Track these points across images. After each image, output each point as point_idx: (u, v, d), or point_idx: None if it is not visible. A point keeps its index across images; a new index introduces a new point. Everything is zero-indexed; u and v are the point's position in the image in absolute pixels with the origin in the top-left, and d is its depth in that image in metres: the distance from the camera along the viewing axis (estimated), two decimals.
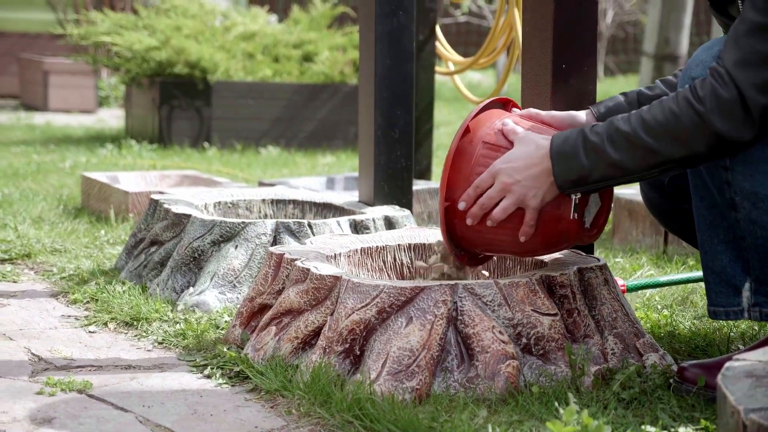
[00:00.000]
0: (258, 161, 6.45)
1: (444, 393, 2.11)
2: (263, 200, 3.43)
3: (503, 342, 2.14)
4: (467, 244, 2.34)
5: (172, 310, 2.82)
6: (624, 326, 2.30)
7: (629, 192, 4.01)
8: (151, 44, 6.97)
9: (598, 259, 2.39)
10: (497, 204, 2.23)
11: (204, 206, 3.30)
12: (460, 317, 2.16)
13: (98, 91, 9.93)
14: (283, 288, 2.43)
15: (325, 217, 3.38)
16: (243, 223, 2.98)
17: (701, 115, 2.05)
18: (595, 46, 2.49)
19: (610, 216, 4.12)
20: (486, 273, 2.57)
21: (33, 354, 2.48)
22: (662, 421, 2.00)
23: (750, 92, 2.02)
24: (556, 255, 2.46)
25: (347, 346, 2.18)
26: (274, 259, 2.48)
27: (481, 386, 2.12)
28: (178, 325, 2.70)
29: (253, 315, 2.50)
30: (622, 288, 2.81)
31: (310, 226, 2.99)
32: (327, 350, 2.19)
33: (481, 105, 2.36)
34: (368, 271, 2.62)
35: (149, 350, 2.54)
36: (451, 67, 5.11)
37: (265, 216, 3.42)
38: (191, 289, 2.90)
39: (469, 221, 2.26)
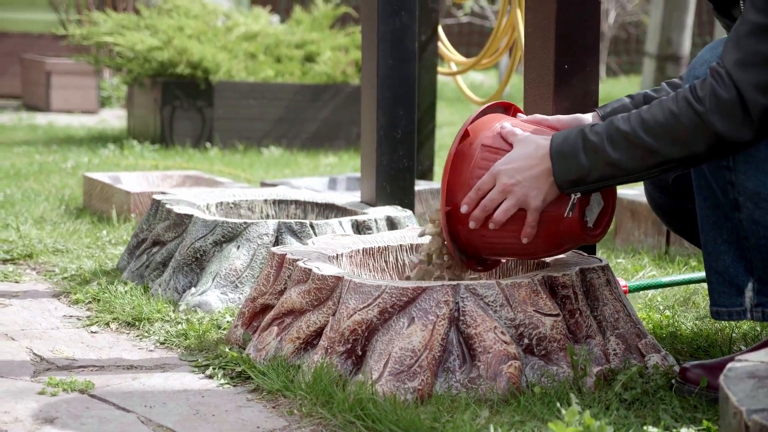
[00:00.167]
0: (260, 161, 6.45)
1: (446, 393, 2.11)
2: (265, 200, 3.43)
3: (505, 342, 2.14)
4: (471, 249, 2.33)
5: (174, 311, 2.82)
6: (626, 327, 2.30)
7: (631, 192, 4.01)
8: (153, 44, 6.98)
9: (600, 260, 2.39)
10: (499, 206, 2.23)
11: (206, 206, 3.30)
12: (462, 317, 2.16)
13: (100, 92, 9.93)
14: (285, 288, 2.43)
15: (327, 218, 3.38)
16: (245, 223, 2.98)
17: (701, 116, 2.05)
18: (598, 47, 2.49)
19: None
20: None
21: (35, 354, 2.48)
22: (664, 421, 2.00)
23: (750, 93, 2.01)
24: (559, 255, 2.46)
25: (349, 346, 2.18)
26: (276, 260, 2.48)
27: (483, 387, 2.12)
28: (180, 325, 2.70)
29: (255, 315, 2.50)
30: (624, 288, 2.81)
31: (312, 226, 2.99)
32: (329, 350, 2.19)
33: (480, 109, 2.36)
34: (370, 272, 2.62)
35: (151, 350, 2.54)
36: (454, 68, 5.11)
37: (267, 216, 3.42)
38: (193, 290, 2.90)
39: (471, 225, 2.26)
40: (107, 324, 2.75)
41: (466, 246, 2.33)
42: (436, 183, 4.47)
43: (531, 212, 2.21)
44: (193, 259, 2.98)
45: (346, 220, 3.06)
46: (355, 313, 2.18)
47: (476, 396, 2.11)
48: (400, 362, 2.11)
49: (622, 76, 15.10)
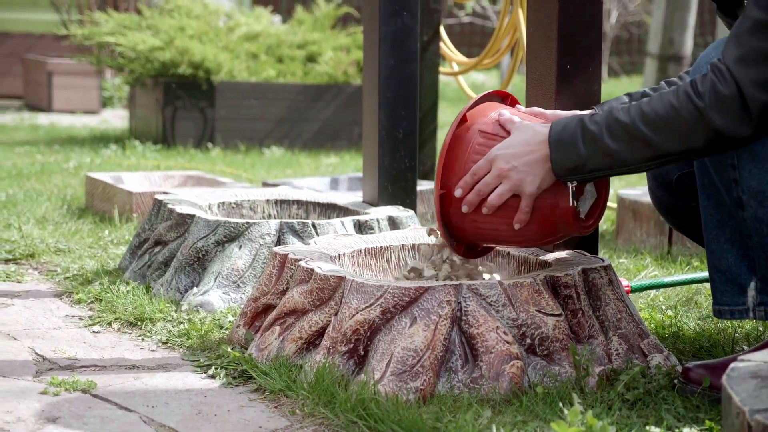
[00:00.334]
0: (262, 162, 6.45)
1: (448, 393, 2.11)
2: (267, 200, 3.43)
3: (507, 342, 2.14)
4: (462, 234, 2.33)
5: (176, 310, 2.82)
6: (628, 327, 2.30)
7: (634, 193, 4.01)
8: (154, 45, 6.98)
9: (603, 260, 2.39)
10: (494, 191, 2.23)
11: (208, 206, 3.30)
12: (464, 317, 2.16)
13: (102, 92, 9.93)
14: (287, 288, 2.42)
15: (329, 218, 3.38)
16: (247, 223, 2.98)
17: (700, 111, 2.05)
18: (600, 47, 2.49)
19: (615, 217, 4.12)
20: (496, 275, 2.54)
21: (37, 354, 2.48)
22: (667, 421, 2.00)
23: (749, 89, 2.01)
24: (561, 255, 2.46)
25: (351, 346, 2.18)
26: (278, 260, 2.48)
27: (486, 386, 2.11)
28: (182, 325, 2.70)
29: (257, 315, 2.50)
30: (627, 288, 2.81)
31: (314, 226, 2.99)
32: (331, 350, 2.19)
33: (479, 96, 2.37)
34: (372, 272, 2.62)
35: (153, 350, 2.54)
36: (455, 68, 5.11)
37: (269, 216, 3.42)
38: (195, 289, 2.90)
39: (464, 209, 2.26)
40: (109, 324, 2.75)
41: (458, 231, 2.33)
42: None
43: (525, 198, 2.21)
44: (195, 259, 2.98)
45: (348, 220, 3.06)
46: (358, 313, 2.18)
47: (478, 396, 2.11)
48: (402, 362, 2.11)
49: (623, 77, 15.10)
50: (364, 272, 2.60)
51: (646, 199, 3.81)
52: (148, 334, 2.66)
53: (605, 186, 2.32)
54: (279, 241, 2.97)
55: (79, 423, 2.02)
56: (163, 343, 2.59)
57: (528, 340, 2.18)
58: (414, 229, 2.81)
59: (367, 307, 2.17)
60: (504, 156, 2.21)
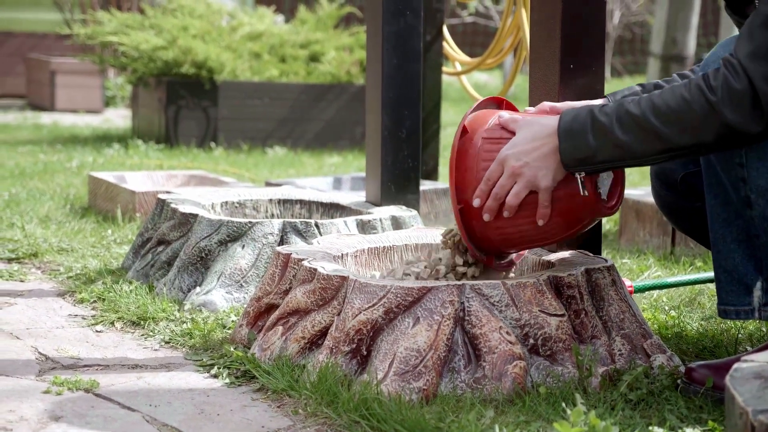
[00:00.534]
0: (264, 161, 6.45)
1: (451, 393, 2.10)
2: (270, 200, 3.43)
3: (510, 342, 2.14)
4: (490, 244, 2.32)
5: (178, 310, 2.82)
6: (631, 327, 2.30)
7: (636, 193, 4.01)
8: (157, 44, 6.98)
9: (606, 260, 2.38)
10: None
11: (211, 206, 3.30)
12: (467, 317, 2.16)
13: (105, 91, 9.94)
14: (290, 288, 2.42)
15: (332, 217, 3.38)
16: (250, 222, 2.98)
17: (712, 104, 2.04)
18: (603, 47, 2.48)
19: (618, 217, 4.12)
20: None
21: (40, 353, 2.48)
22: (670, 422, 2.00)
23: (761, 85, 2.00)
24: (564, 255, 2.46)
25: (354, 346, 2.18)
26: (281, 259, 2.48)
27: (488, 387, 2.11)
28: (184, 324, 2.70)
29: (260, 315, 2.50)
30: (630, 289, 2.81)
31: (317, 226, 2.99)
32: (334, 350, 2.19)
33: (474, 105, 2.36)
34: (375, 272, 2.61)
35: (156, 350, 2.54)
36: (458, 68, 5.10)
37: (272, 216, 3.42)
38: (198, 289, 2.90)
39: (486, 217, 2.24)
40: (112, 323, 2.75)
41: (484, 242, 2.31)
42: (441, 183, 4.47)
43: (542, 192, 2.20)
44: (198, 259, 2.98)
45: (351, 220, 3.06)
46: (360, 312, 2.18)
47: (481, 396, 2.10)
48: (405, 362, 2.11)
49: (626, 77, 15.09)
50: (367, 272, 2.60)
51: (649, 199, 3.81)
52: (151, 333, 2.66)
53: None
54: (282, 241, 2.97)
55: (81, 422, 2.02)
56: (166, 343, 2.59)
57: (531, 341, 2.18)
58: (417, 229, 2.80)
59: (370, 307, 2.17)
60: (514, 155, 2.20)
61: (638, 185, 5.53)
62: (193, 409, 2.11)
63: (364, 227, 3.05)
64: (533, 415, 2.03)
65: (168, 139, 6.97)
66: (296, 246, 2.59)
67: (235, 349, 2.44)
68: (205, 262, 2.98)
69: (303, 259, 2.41)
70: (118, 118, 9.25)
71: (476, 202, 2.24)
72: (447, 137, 7.46)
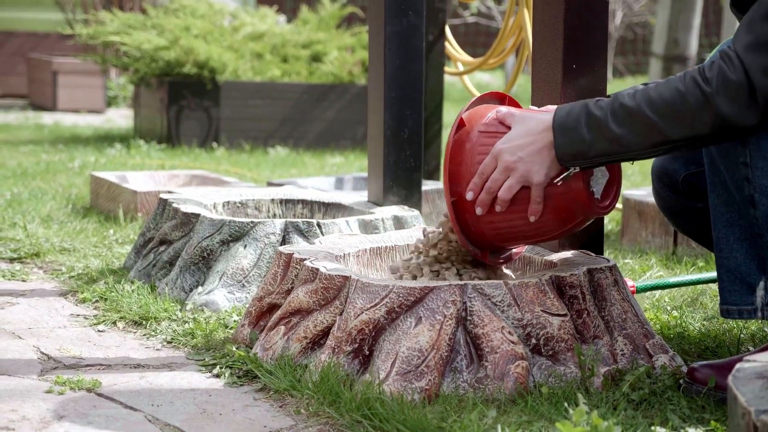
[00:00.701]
0: (266, 161, 6.45)
1: (453, 393, 2.10)
2: (272, 200, 3.43)
3: (512, 342, 2.14)
4: (482, 239, 2.31)
5: (180, 310, 2.82)
6: (633, 327, 2.30)
7: (639, 193, 4.01)
8: (159, 44, 6.98)
9: (608, 260, 2.38)
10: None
11: (213, 206, 3.30)
12: (469, 317, 2.16)
13: (107, 91, 9.94)
14: (292, 288, 2.42)
15: (334, 217, 3.38)
16: (252, 222, 2.98)
17: (707, 96, 2.03)
18: (606, 46, 2.48)
19: (620, 217, 4.12)
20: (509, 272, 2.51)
21: (42, 353, 2.48)
22: (672, 422, 2.00)
23: (758, 76, 1.99)
24: (566, 255, 2.46)
25: (356, 346, 2.18)
26: (283, 259, 2.48)
27: (491, 386, 2.11)
28: (186, 324, 2.70)
29: (262, 314, 2.50)
30: (632, 289, 2.81)
31: (319, 225, 2.99)
32: (336, 350, 2.19)
33: (474, 98, 2.36)
34: (377, 271, 2.62)
35: (158, 349, 2.54)
36: (461, 68, 5.10)
37: (274, 216, 3.42)
38: (200, 289, 2.90)
39: (478, 210, 2.24)
40: (114, 323, 2.75)
41: (477, 236, 2.31)
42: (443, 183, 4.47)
43: (535, 188, 2.20)
44: (200, 258, 2.98)
45: (353, 220, 3.06)
46: (363, 312, 2.18)
47: (483, 396, 2.10)
48: (407, 362, 2.11)
49: (628, 77, 15.09)
50: (369, 272, 2.60)
51: (651, 199, 3.81)
52: (153, 333, 2.66)
53: (617, 165, 2.30)
54: (284, 241, 2.97)
55: (83, 422, 2.02)
56: (168, 343, 2.59)
57: (533, 340, 2.18)
58: (419, 229, 2.80)
59: (372, 306, 2.17)
60: (508, 149, 2.20)
61: (640, 185, 5.53)
62: (195, 409, 2.11)
63: (366, 227, 3.05)
64: (535, 415, 2.03)
65: (170, 139, 6.97)
66: (298, 246, 2.59)
67: (237, 348, 2.44)
68: (207, 261, 2.98)
69: (305, 259, 2.41)
70: (120, 118, 9.25)
71: (469, 195, 2.24)
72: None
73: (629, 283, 2.78)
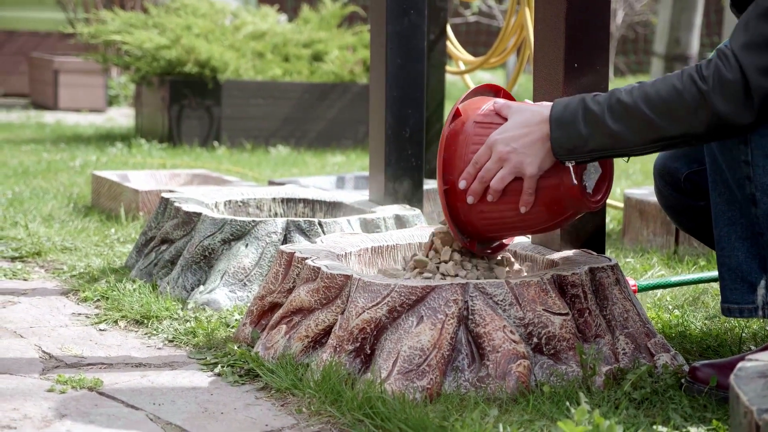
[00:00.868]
0: (268, 160, 6.45)
1: (455, 392, 2.10)
2: (273, 199, 3.43)
3: (514, 341, 2.14)
4: (473, 228, 2.32)
5: (182, 309, 2.82)
6: (635, 326, 2.30)
7: (640, 192, 4.00)
8: (161, 43, 6.98)
9: (610, 259, 2.38)
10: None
11: (214, 205, 3.30)
12: (471, 316, 2.16)
13: (108, 90, 9.95)
14: (294, 286, 2.42)
15: (335, 216, 3.38)
16: (253, 221, 2.98)
17: (703, 94, 2.04)
18: (608, 45, 2.48)
19: (622, 216, 4.11)
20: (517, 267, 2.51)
21: (44, 352, 2.48)
22: (674, 421, 1.99)
23: (753, 75, 2.00)
24: (568, 254, 2.46)
25: (358, 345, 2.18)
26: (285, 258, 2.48)
27: (492, 385, 2.11)
28: (188, 323, 2.70)
29: (264, 313, 2.50)
30: (633, 288, 2.81)
31: (320, 224, 2.99)
32: (337, 349, 2.19)
33: (470, 90, 2.36)
34: (379, 270, 2.61)
35: (159, 348, 2.54)
36: (462, 67, 5.10)
37: (276, 215, 3.42)
38: (201, 288, 2.90)
39: (470, 199, 2.24)
40: (116, 322, 2.75)
41: (467, 225, 2.31)
42: None
43: (527, 180, 2.20)
44: (202, 257, 2.98)
45: (355, 219, 3.05)
46: (364, 311, 2.18)
47: (485, 395, 2.10)
48: (408, 361, 2.11)
49: (630, 76, 15.08)
50: (371, 271, 2.60)
51: (653, 198, 3.80)
52: (155, 332, 2.66)
53: (609, 160, 2.30)
54: (285, 240, 2.97)
55: (85, 421, 2.02)
56: (170, 341, 2.59)
57: (535, 339, 2.18)
58: (421, 228, 2.80)
59: (373, 305, 2.17)
60: (503, 139, 2.20)
61: (642, 184, 5.53)
62: (196, 408, 2.11)
63: (368, 226, 3.05)
64: (537, 413, 2.03)
65: (171, 138, 6.97)
66: (300, 245, 2.59)
67: (238, 347, 2.44)
68: (208, 260, 2.98)
69: (306, 258, 2.41)
70: (122, 117, 9.25)
71: (462, 184, 2.24)
72: None
73: (631, 282, 2.78)
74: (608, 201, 3.74)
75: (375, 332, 2.17)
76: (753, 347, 2.49)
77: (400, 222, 3.12)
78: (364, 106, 7.24)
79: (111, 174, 4.47)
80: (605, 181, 2.30)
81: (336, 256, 2.49)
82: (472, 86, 4.99)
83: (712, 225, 2.27)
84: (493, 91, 2.40)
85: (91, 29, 7.42)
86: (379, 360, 2.14)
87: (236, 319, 2.71)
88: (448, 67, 5.07)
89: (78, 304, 2.95)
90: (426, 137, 4.61)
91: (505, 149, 2.19)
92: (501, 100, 2.28)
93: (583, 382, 2.16)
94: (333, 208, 3.41)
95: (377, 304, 2.17)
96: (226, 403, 2.14)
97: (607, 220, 4.36)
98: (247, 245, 2.95)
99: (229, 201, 3.36)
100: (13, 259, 3.49)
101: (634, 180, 5.77)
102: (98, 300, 2.95)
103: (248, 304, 2.76)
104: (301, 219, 3.00)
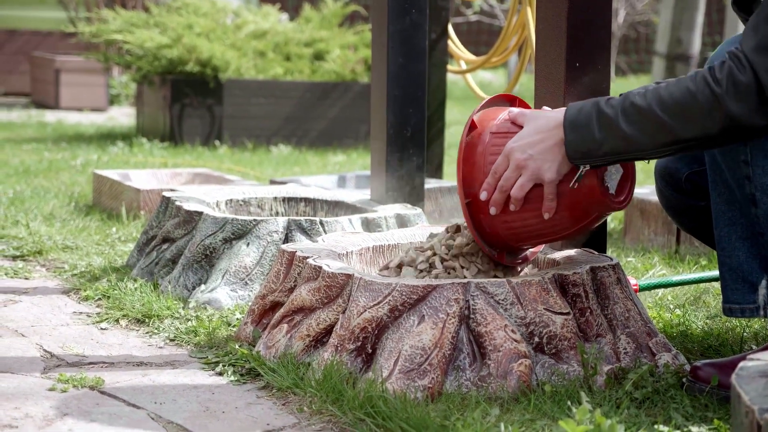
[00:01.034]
0: (269, 160, 6.45)
1: (456, 391, 2.10)
2: (275, 198, 3.43)
3: (515, 341, 2.14)
4: (498, 239, 2.31)
5: (183, 308, 2.82)
6: (636, 325, 2.30)
7: (641, 192, 4.00)
8: (162, 42, 6.98)
9: (611, 258, 2.38)
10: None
11: (216, 204, 3.30)
12: (472, 316, 2.16)
13: (109, 89, 9.95)
14: (295, 286, 2.42)
15: (336, 215, 3.38)
16: (255, 220, 2.98)
17: (717, 97, 2.03)
18: (609, 44, 2.48)
19: (623, 216, 4.11)
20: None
21: (45, 350, 2.48)
22: (675, 420, 1.99)
23: (766, 78, 2.00)
24: (569, 254, 2.46)
25: (359, 344, 2.18)
26: (286, 257, 2.48)
27: (494, 385, 2.11)
28: (189, 322, 2.70)
29: (265, 312, 2.50)
30: (635, 287, 2.81)
31: (321, 223, 2.99)
32: (339, 348, 2.19)
33: (485, 101, 2.36)
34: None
35: (161, 347, 2.54)
36: (463, 66, 5.10)
37: (277, 214, 3.42)
38: (203, 287, 2.90)
39: (492, 210, 2.24)
40: (117, 321, 2.75)
41: (493, 237, 2.30)
42: (446, 181, 4.47)
43: (547, 185, 2.19)
44: (203, 256, 2.98)
45: (356, 218, 3.05)
46: (366, 310, 2.18)
47: (486, 394, 2.10)
48: (410, 360, 2.11)
49: (631, 76, 15.08)
50: (372, 270, 2.60)
51: (654, 197, 3.80)
52: (156, 331, 2.66)
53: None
54: (287, 239, 2.97)
55: (86, 420, 2.02)
56: (171, 341, 2.59)
57: (536, 339, 2.18)
58: (422, 227, 2.80)
59: (375, 305, 2.17)
60: (519, 147, 2.20)
61: (643, 184, 5.53)
62: (198, 407, 2.11)
63: (369, 225, 3.05)
64: (538, 413, 2.03)
65: (172, 137, 6.97)
66: (301, 244, 2.59)
67: (240, 346, 2.43)
68: (209, 259, 2.98)
69: (308, 257, 2.41)
70: (123, 116, 9.26)
71: (483, 196, 2.24)
72: (452, 136, 7.46)
73: (632, 281, 2.78)
74: None
75: (376, 331, 2.17)
76: (754, 347, 2.49)
77: (402, 221, 3.12)
78: (365, 106, 7.23)
79: (112, 173, 4.47)
80: (628, 180, 2.29)
81: (337, 255, 2.49)
82: (474, 85, 5.01)
83: (713, 225, 2.27)
84: (508, 100, 2.40)
85: (93, 28, 7.42)
86: (381, 359, 2.14)
87: (237, 318, 2.71)
88: (449, 67, 5.07)
89: (79, 303, 2.95)
90: (427, 136, 4.61)
91: (522, 156, 2.19)
92: (516, 109, 2.28)
93: (585, 382, 2.16)
94: (334, 207, 3.41)
95: (378, 303, 2.17)
96: (227, 402, 2.14)
97: (609, 219, 4.36)
98: (248, 244, 2.95)
99: (231, 200, 3.36)
100: (14, 257, 3.49)
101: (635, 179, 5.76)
102: (99, 299, 2.95)
103: (249, 303, 2.76)
104: (302, 218, 3.00)
